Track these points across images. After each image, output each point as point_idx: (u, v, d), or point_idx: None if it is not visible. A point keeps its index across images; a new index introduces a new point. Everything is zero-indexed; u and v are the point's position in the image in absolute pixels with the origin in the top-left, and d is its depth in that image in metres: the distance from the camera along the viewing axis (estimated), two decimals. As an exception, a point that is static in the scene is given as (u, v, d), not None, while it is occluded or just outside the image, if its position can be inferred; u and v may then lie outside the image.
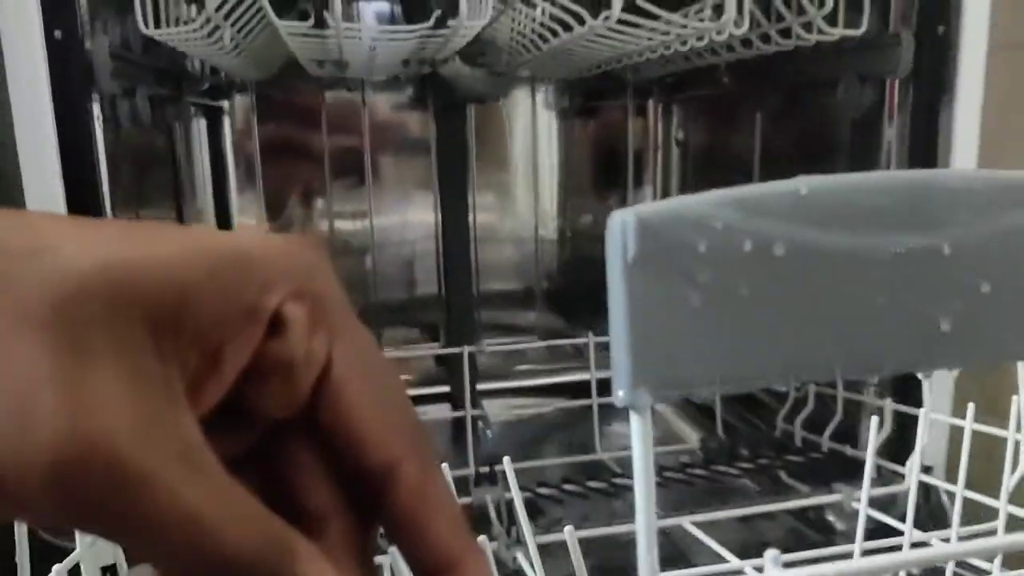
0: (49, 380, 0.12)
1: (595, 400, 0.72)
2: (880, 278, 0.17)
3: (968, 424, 0.45)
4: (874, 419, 0.45)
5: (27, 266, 0.12)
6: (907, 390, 0.58)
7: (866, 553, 0.43)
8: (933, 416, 0.49)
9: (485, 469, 0.59)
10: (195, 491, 0.13)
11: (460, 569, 0.16)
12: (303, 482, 0.16)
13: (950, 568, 0.43)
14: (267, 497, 0.14)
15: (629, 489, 0.61)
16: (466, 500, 0.56)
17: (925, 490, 0.54)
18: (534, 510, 0.60)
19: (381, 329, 0.97)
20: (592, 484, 0.61)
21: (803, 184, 0.17)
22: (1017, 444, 0.45)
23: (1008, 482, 0.44)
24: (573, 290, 1.03)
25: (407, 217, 0.97)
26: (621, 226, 0.16)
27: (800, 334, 0.17)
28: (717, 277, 0.16)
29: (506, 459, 0.31)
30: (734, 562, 0.35)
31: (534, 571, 0.37)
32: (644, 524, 0.17)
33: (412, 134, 0.96)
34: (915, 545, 0.43)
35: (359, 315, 0.17)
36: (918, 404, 0.51)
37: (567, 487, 0.61)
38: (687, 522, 0.49)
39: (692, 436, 0.80)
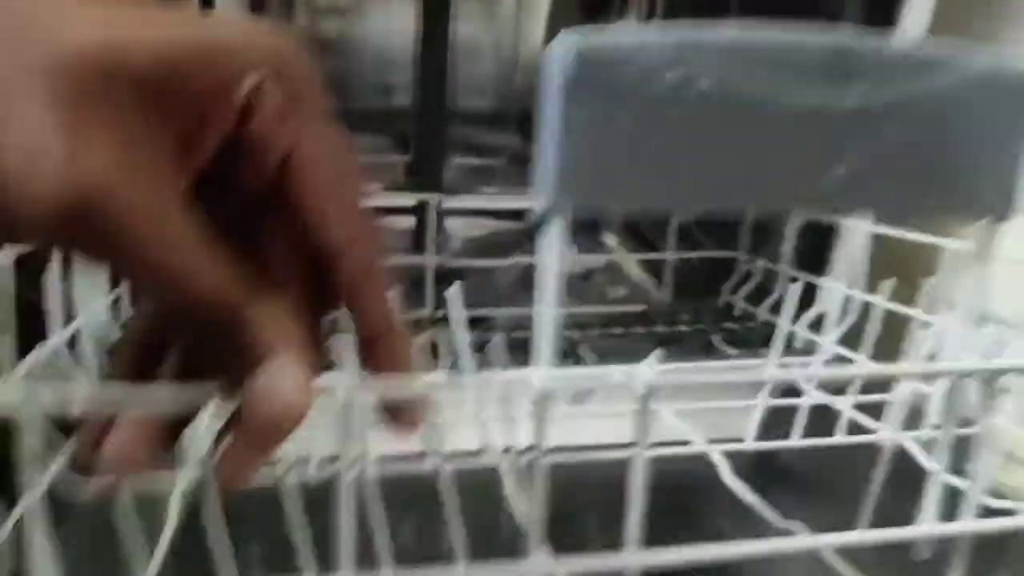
0: (56, 129, 0.14)
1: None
2: (791, 123, 0.19)
3: (882, 301, 0.49)
4: (792, 288, 0.49)
5: (39, 39, 0.14)
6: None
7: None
8: (848, 292, 0.53)
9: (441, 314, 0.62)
10: (172, 236, 0.15)
11: (387, 339, 0.19)
12: (269, 253, 0.19)
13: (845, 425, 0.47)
14: (239, 263, 0.17)
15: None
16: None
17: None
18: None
19: (354, 134, 0.98)
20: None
21: (727, 35, 0.18)
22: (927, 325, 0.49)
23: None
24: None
25: (388, 22, 0.95)
26: (562, 52, 0.18)
27: (714, 165, 0.19)
28: (644, 106, 0.18)
29: (453, 291, 0.33)
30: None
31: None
32: (547, 320, 0.19)
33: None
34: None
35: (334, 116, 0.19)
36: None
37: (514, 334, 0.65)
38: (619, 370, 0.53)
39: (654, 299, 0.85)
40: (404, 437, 0.20)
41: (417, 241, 0.77)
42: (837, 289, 0.48)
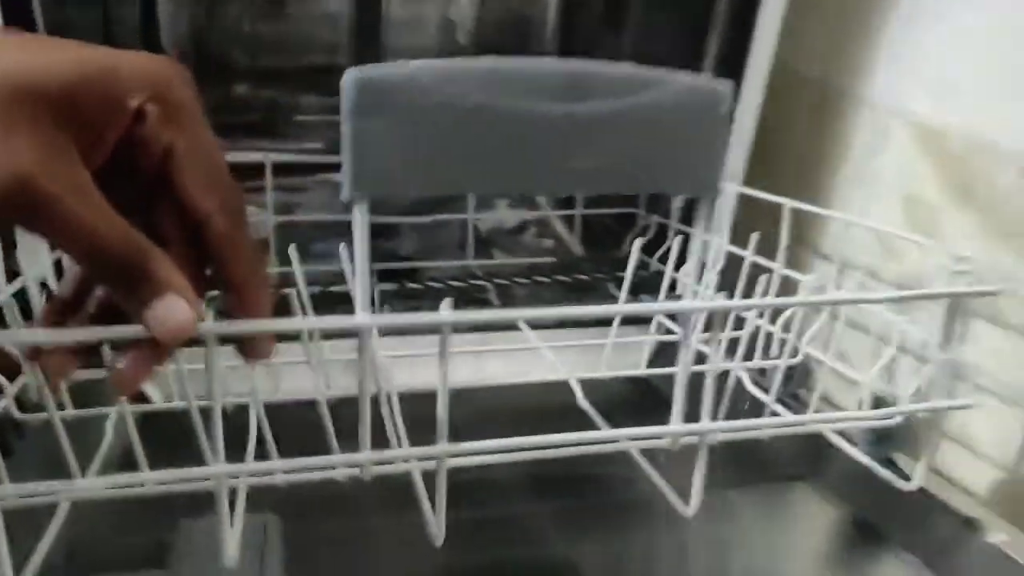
0: None
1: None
2: (533, 129, 0.26)
3: (749, 254, 0.57)
4: (676, 241, 0.56)
5: None
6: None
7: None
8: (718, 241, 0.60)
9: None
10: (86, 208, 0.22)
11: (246, 287, 0.26)
12: (161, 222, 0.25)
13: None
14: (139, 228, 0.23)
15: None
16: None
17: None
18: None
19: (299, 94, 1.01)
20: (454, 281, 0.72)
21: (484, 63, 0.25)
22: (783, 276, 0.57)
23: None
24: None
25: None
26: (349, 80, 0.24)
27: (480, 162, 0.26)
28: (413, 120, 0.25)
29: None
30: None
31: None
32: (361, 276, 0.26)
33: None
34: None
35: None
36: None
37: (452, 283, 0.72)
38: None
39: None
40: (254, 363, 0.27)
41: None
42: (707, 240, 0.56)
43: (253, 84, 1.01)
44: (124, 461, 0.43)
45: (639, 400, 0.64)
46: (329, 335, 0.46)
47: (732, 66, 0.73)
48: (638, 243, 0.60)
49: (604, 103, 0.26)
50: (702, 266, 0.67)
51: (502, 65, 0.25)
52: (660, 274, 0.75)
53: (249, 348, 0.27)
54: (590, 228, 0.90)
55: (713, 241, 0.60)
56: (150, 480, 0.27)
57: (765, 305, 0.45)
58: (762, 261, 0.60)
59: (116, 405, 0.44)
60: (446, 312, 0.28)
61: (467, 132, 0.25)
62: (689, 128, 0.27)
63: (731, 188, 0.69)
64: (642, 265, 0.79)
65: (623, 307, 0.46)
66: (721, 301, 0.30)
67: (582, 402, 0.47)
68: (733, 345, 0.56)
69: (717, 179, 0.28)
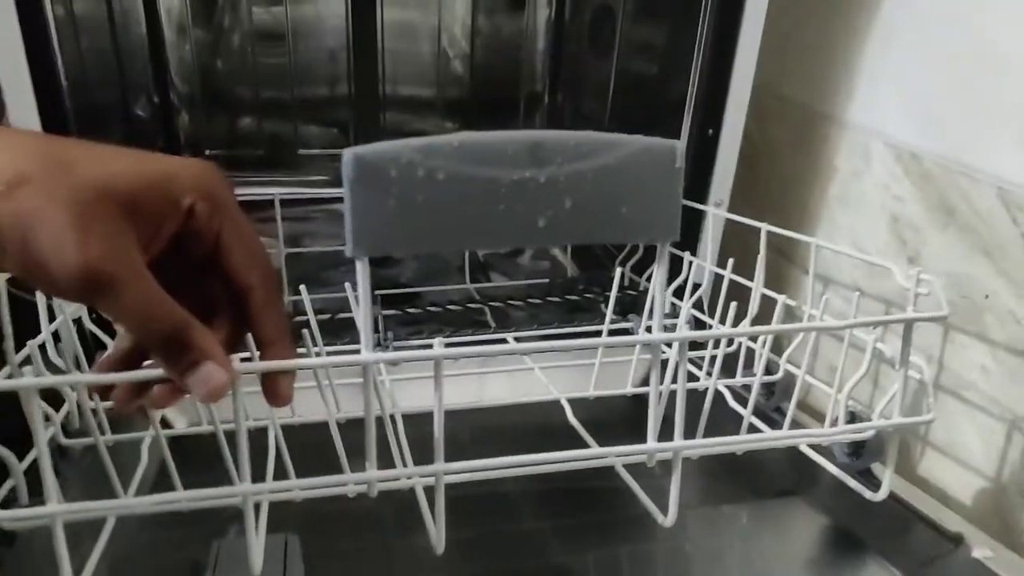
0: (73, 232, 0.26)
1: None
2: (503, 193, 0.31)
3: (727, 273, 0.62)
4: (659, 263, 0.61)
5: (64, 172, 0.27)
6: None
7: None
8: (700, 263, 0.65)
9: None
10: (139, 291, 0.28)
11: (274, 348, 0.31)
12: (209, 292, 0.31)
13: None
14: (186, 303, 0.29)
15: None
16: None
17: (700, 325, 0.72)
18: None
19: (297, 123, 1.07)
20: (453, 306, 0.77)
21: (457, 138, 0.30)
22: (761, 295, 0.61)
23: (731, 313, 0.60)
24: (477, 99, 1.13)
25: (319, 8, 1.03)
26: (348, 157, 0.29)
27: (456, 223, 0.31)
28: (402, 191, 0.30)
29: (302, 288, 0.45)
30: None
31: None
32: (364, 316, 0.31)
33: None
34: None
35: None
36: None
37: (450, 307, 0.77)
38: (510, 337, 0.66)
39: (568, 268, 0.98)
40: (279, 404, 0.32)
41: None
42: (694, 262, 0.61)
43: (257, 118, 1.07)
44: (156, 481, 0.49)
45: (630, 414, 0.68)
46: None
47: (715, 89, 0.77)
48: (618, 269, 0.65)
49: (564, 167, 0.31)
50: (679, 291, 0.72)
51: (474, 139, 0.30)
52: (646, 293, 0.80)
53: (272, 391, 0.32)
54: (584, 250, 0.95)
55: (696, 263, 0.64)
56: (186, 498, 0.33)
57: (729, 334, 0.50)
58: (741, 280, 0.64)
59: (149, 430, 0.50)
60: (438, 349, 0.33)
61: (447, 198, 0.30)
62: (645, 184, 0.32)
63: (715, 212, 0.74)
64: (632, 285, 0.84)
65: (603, 340, 0.51)
66: (684, 334, 0.35)
67: (572, 420, 0.52)
68: (722, 363, 0.61)
69: (674, 226, 0.33)
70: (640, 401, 0.69)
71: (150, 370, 0.30)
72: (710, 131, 0.79)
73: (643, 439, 0.38)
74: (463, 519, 0.37)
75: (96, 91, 0.79)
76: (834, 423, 0.51)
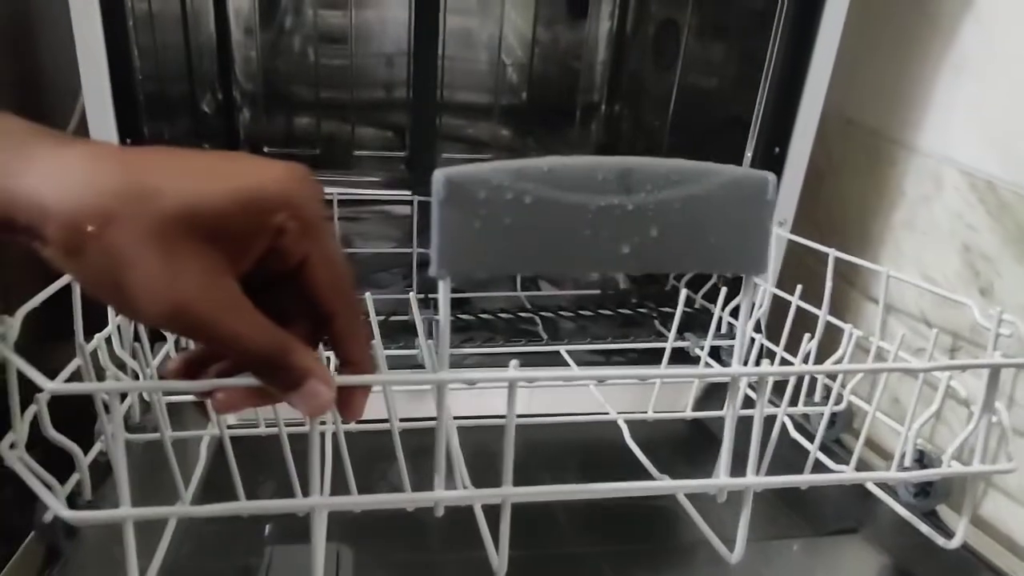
0: (161, 269, 0.26)
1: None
2: (589, 219, 0.30)
3: (794, 299, 0.60)
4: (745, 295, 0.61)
5: (149, 204, 0.26)
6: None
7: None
8: (763, 286, 0.64)
9: (421, 296, 0.74)
10: (236, 320, 0.28)
11: (357, 368, 0.31)
12: (289, 313, 0.31)
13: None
14: (275, 319, 0.28)
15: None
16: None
17: (760, 349, 0.70)
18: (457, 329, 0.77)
19: (354, 125, 1.08)
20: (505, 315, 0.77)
21: (547, 163, 0.29)
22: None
23: (805, 346, 0.59)
24: (533, 107, 1.14)
25: (384, 13, 1.04)
26: (438, 179, 0.29)
27: (537, 247, 0.30)
28: (490, 213, 0.29)
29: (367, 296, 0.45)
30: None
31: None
32: (444, 335, 0.31)
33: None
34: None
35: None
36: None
37: (501, 315, 0.77)
38: (563, 350, 0.65)
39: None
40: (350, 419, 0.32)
41: (411, 230, 0.89)
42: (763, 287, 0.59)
43: (315, 117, 1.08)
44: (207, 479, 0.49)
45: (686, 435, 0.67)
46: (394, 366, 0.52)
47: (784, 111, 0.76)
48: (683, 290, 0.64)
49: (653, 195, 0.30)
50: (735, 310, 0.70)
51: (564, 164, 0.30)
52: (705, 311, 0.78)
53: (347, 405, 0.32)
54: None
55: (765, 287, 0.63)
56: (255, 508, 0.33)
57: (813, 371, 0.48)
58: (805, 306, 0.63)
59: (208, 428, 0.50)
60: (514, 370, 0.33)
61: (533, 222, 0.30)
62: (735, 215, 0.31)
63: (779, 233, 0.72)
64: (688, 301, 0.83)
65: (698, 371, 0.50)
66: (771, 368, 0.34)
67: (630, 443, 0.52)
68: (777, 386, 0.59)
69: (763, 259, 0.32)
70: (696, 423, 0.67)
71: (223, 379, 0.30)
72: (776, 149, 0.78)
73: (697, 462, 0.37)
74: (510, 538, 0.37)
75: (166, 85, 0.80)
76: (901, 461, 0.49)
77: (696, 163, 0.31)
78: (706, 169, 0.31)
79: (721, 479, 0.37)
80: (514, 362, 0.32)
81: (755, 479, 0.37)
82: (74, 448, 0.44)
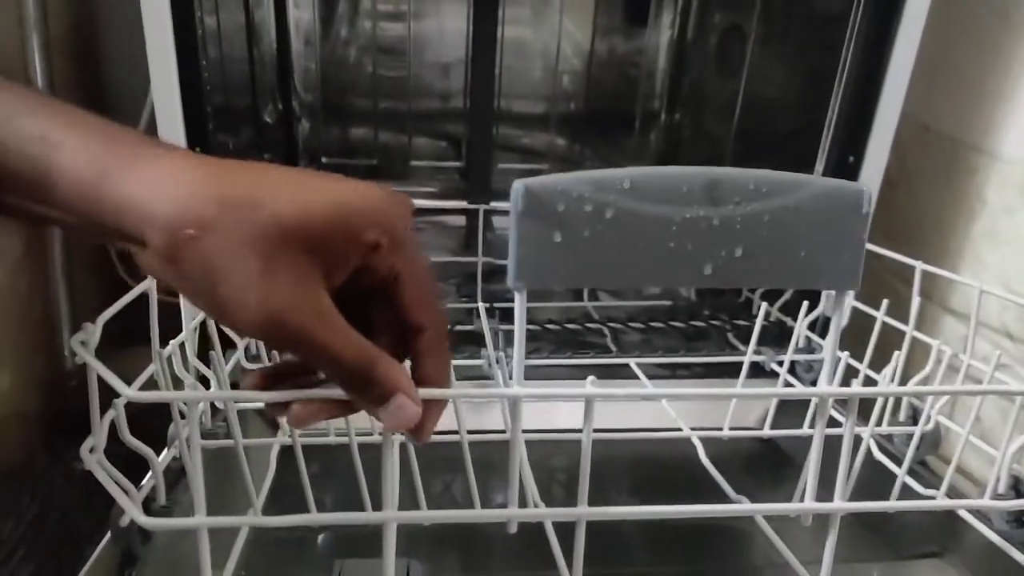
0: (258, 278, 0.26)
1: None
2: (673, 231, 0.30)
3: (880, 315, 0.58)
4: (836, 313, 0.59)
5: (250, 213, 0.26)
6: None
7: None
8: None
9: (487, 305, 0.74)
10: (327, 332, 0.28)
11: (437, 384, 0.31)
12: (380, 326, 0.30)
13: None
14: (362, 332, 0.28)
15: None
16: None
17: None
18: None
19: (411, 135, 1.10)
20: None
21: (629, 174, 0.29)
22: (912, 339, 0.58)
23: (893, 365, 0.57)
24: (591, 115, 1.13)
25: (442, 23, 1.05)
26: (517, 189, 0.29)
27: (617, 260, 0.30)
28: (569, 225, 0.29)
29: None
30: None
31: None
32: (518, 352, 0.31)
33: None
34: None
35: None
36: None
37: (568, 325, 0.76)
38: (632, 362, 0.64)
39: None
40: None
41: (469, 240, 0.89)
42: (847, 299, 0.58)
43: (373, 128, 1.10)
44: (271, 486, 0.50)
45: (755, 452, 0.65)
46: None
47: (859, 118, 0.74)
48: (762, 304, 0.62)
49: (741, 207, 0.30)
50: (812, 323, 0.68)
51: (647, 175, 0.29)
52: (779, 324, 0.76)
53: (419, 425, 0.31)
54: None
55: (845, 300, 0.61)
56: (330, 520, 0.33)
57: (908, 392, 0.46)
58: (892, 322, 0.60)
59: (278, 436, 0.51)
60: (591, 388, 0.32)
61: (615, 234, 0.29)
62: (828, 229, 0.30)
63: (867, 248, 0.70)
64: (764, 314, 0.80)
65: (778, 391, 0.48)
66: (864, 389, 0.33)
67: (704, 461, 0.50)
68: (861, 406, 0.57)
69: (857, 274, 0.31)
70: (768, 441, 0.65)
71: (302, 391, 0.30)
72: (850, 158, 0.76)
73: (767, 480, 0.36)
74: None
75: (231, 95, 0.82)
76: (996, 487, 0.47)
77: (786, 174, 0.30)
78: (797, 180, 0.30)
79: (807, 503, 0.35)
80: (591, 378, 0.32)
81: (843, 504, 0.35)
82: (150, 454, 0.44)
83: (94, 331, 0.36)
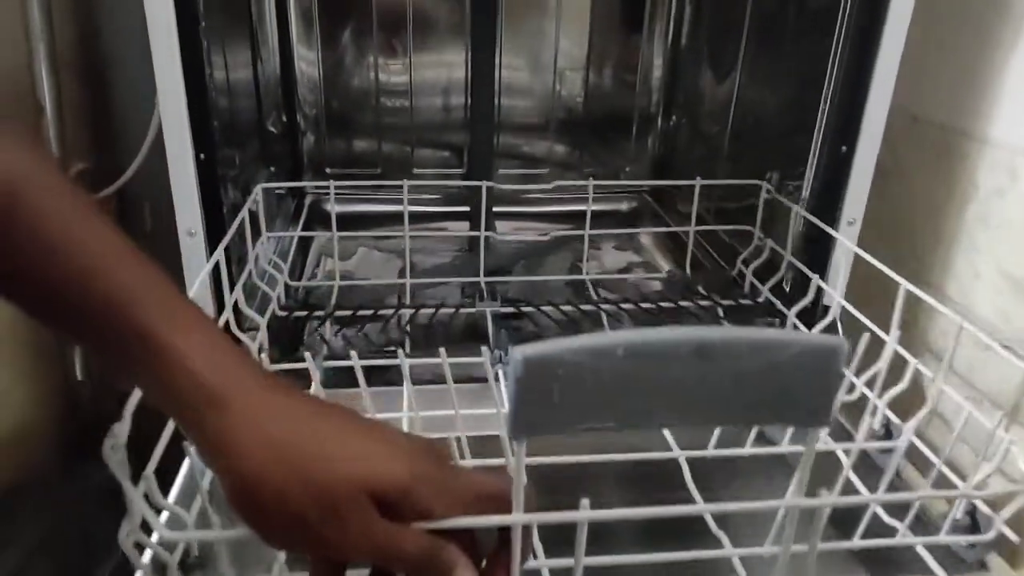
0: (330, 520, 0.29)
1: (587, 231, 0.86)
2: (668, 388, 0.31)
3: (890, 340, 0.59)
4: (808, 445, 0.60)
5: (322, 467, 0.30)
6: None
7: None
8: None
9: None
10: (393, 542, 0.31)
11: None
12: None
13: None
14: None
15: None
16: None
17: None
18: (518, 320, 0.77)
19: (415, 147, 1.11)
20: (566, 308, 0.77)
21: (621, 344, 0.30)
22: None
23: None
24: (589, 122, 1.14)
25: (443, 36, 1.06)
26: (517, 355, 0.29)
27: (611, 413, 0.31)
28: (566, 387, 0.30)
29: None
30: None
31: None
32: (518, 497, 0.32)
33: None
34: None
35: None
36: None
37: (563, 307, 0.77)
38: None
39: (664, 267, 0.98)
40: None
41: (472, 244, 0.90)
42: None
43: (375, 139, 1.09)
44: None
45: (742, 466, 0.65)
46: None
47: (850, 110, 0.74)
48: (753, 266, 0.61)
49: (729, 364, 0.30)
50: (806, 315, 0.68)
51: (640, 337, 0.30)
52: (771, 304, 0.77)
53: None
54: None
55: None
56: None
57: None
58: (879, 332, 0.61)
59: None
60: (584, 512, 0.33)
61: (609, 393, 0.30)
62: (805, 381, 0.31)
63: (847, 246, 0.71)
64: (753, 289, 0.81)
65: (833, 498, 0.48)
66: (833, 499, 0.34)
67: (689, 483, 0.53)
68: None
69: (828, 414, 0.32)
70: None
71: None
72: (843, 148, 0.75)
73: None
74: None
75: (236, 109, 0.82)
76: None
77: (770, 332, 0.31)
78: (780, 338, 0.31)
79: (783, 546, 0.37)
80: (584, 500, 0.33)
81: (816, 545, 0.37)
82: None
83: (123, 432, 0.36)
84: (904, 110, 0.82)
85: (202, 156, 0.66)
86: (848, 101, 0.73)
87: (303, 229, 0.94)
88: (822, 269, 0.77)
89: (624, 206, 1.14)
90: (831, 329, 0.71)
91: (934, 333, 0.80)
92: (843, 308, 0.69)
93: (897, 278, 0.61)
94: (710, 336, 0.30)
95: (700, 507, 0.47)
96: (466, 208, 0.93)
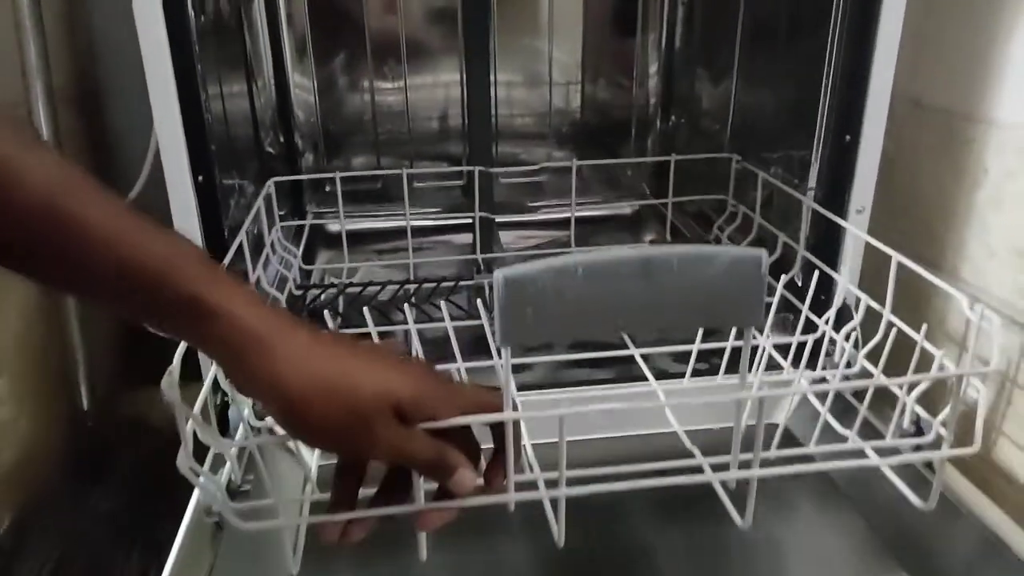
0: (361, 429, 0.46)
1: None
2: (620, 299, 0.46)
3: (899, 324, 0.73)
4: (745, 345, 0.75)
5: (354, 392, 0.47)
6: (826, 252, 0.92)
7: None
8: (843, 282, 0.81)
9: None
10: (411, 444, 0.47)
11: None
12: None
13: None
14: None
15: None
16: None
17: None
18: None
19: (413, 160, 1.29)
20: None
21: (580, 263, 0.45)
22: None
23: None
24: (587, 127, 1.33)
25: (437, 52, 1.25)
26: (498, 279, 0.45)
27: (575, 324, 0.46)
28: (539, 303, 0.46)
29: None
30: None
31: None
32: (507, 386, 0.47)
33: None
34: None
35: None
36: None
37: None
38: (638, 353, 0.82)
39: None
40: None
41: (474, 253, 1.07)
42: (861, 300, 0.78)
43: (373, 154, 1.29)
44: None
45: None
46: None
47: (852, 98, 0.87)
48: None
49: (670, 277, 0.46)
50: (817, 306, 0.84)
51: (594, 258, 0.45)
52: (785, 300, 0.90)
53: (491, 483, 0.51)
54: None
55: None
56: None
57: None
58: (909, 334, 0.73)
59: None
60: (564, 408, 0.48)
61: (574, 304, 0.46)
62: (736, 286, 0.46)
63: (854, 232, 0.86)
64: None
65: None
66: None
67: (697, 454, 0.67)
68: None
69: (759, 315, 0.47)
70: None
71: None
72: (847, 137, 0.88)
73: None
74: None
75: (233, 132, 0.97)
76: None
77: (704, 248, 0.47)
78: (712, 252, 0.46)
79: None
80: (565, 399, 0.48)
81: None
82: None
83: (176, 370, 0.51)
84: (905, 96, 0.96)
85: (200, 178, 0.78)
86: (849, 89, 0.86)
87: (305, 251, 1.11)
88: (833, 259, 0.90)
89: (627, 210, 1.33)
90: (843, 316, 0.84)
91: (949, 310, 0.92)
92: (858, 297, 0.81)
93: (890, 251, 0.75)
94: (653, 254, 0.45)
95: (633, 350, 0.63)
96: (468, 220, 1.09)
